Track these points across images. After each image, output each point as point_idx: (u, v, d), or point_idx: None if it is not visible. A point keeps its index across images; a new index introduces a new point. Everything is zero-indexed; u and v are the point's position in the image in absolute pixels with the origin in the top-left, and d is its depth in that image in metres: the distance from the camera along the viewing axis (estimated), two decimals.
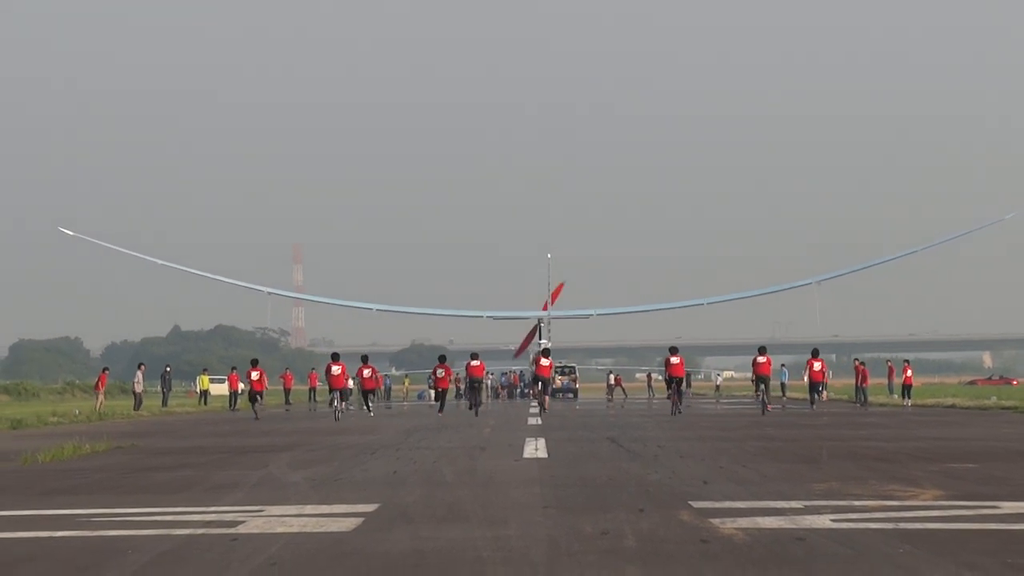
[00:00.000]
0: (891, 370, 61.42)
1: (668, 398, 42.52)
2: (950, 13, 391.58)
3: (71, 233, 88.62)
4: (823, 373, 47.18)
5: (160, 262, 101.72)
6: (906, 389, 50.26)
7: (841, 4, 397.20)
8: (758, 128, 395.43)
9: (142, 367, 57.96)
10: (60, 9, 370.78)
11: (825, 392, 56.27)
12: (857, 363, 55.43)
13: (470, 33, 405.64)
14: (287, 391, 65.72)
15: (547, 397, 45.42)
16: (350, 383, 49.85)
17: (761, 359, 41.02)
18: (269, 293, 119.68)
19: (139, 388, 55.32)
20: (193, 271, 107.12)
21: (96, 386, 51.82)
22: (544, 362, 46.60)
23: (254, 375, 47.10)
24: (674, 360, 41.62)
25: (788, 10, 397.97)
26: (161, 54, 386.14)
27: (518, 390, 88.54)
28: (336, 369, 41.98)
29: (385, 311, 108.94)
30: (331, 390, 42.60)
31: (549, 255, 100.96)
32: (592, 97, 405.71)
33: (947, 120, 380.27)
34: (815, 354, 46.21)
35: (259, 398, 46.37)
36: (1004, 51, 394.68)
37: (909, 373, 51.10)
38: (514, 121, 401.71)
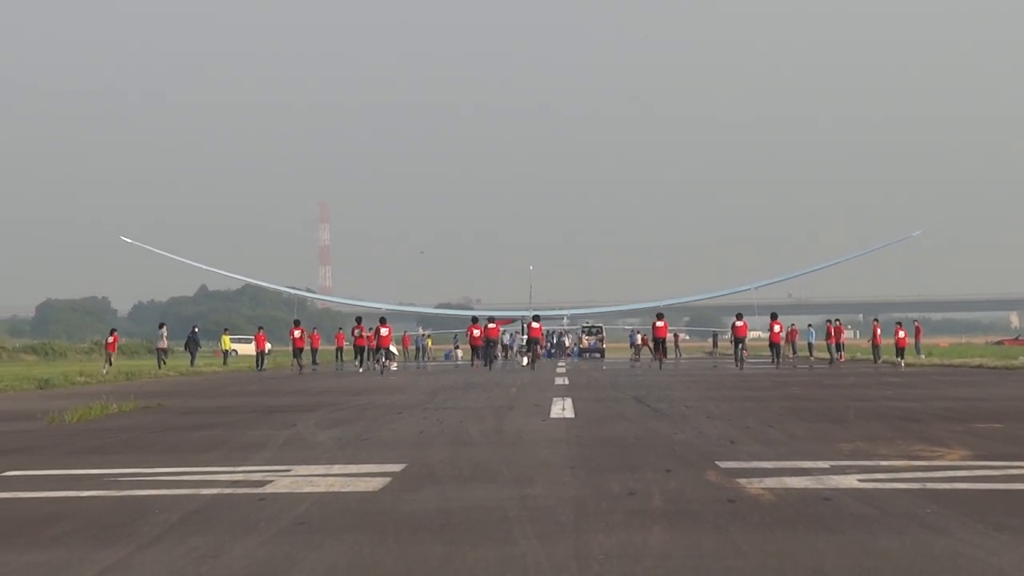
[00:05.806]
0: (917, 330, 61.30)
1: (653, 356, 49.61)
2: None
3: (130, 241, 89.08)
4: (780, 335, 51.53)
5: (215, 270, 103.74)
6: (899, 351, 50.91)
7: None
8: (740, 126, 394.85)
9: (164, 326, 58.97)
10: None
11: (843, 352, 56.65)
12: (875, 324, 56.95)
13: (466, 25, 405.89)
14: (314, 351, 65.94)
15: (538, 354, 54.83)
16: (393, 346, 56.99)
17: (739, 323, 49.08)
18: (295, 292, 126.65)
19: (164, 344, 56.32)
20: (239, 277, 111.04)
21: (107, 346, 51.79)
22: (535, 325, 54.34)
23: (296, 333, 54.99)
24: (659, 324, 49.50)
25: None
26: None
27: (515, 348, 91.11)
28: (384, 331, 49.54)
29: (394, 310, 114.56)
30: (378, 350, 49.43)
31: (531, 267, 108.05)
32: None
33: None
34: (774, 316, 50.05)
35: (300, 355, 54.23)
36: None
37: (902, 335, 51.51)
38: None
